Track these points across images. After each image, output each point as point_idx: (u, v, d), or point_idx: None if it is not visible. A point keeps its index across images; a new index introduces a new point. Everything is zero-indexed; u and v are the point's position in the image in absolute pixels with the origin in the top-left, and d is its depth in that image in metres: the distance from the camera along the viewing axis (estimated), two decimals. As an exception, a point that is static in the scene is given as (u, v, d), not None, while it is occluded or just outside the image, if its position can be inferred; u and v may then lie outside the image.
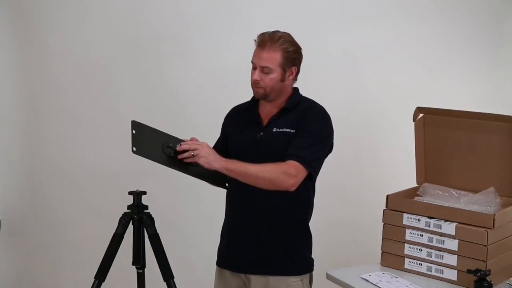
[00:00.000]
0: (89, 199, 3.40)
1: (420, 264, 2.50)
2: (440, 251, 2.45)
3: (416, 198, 2.68)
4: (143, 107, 3.35)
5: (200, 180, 2.38)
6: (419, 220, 2.51)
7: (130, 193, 2.49)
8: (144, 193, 2.50)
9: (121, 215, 2.48)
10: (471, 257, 2.36)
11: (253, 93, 2.39)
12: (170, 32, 3.36)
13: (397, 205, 2.58)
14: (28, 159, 3.39)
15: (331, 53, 3.53)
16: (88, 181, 3.39)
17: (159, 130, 2.27)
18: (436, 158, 2.77)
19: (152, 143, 2.21)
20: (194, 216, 3.46)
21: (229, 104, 2.58)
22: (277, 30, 2.35)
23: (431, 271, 2.48)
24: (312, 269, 2.46)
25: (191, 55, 3.39)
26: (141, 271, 2.58)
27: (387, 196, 2.61)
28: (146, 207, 2.50)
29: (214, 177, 2.39)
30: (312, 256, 2.47)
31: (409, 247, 2.53)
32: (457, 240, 2.40)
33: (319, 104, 2.42)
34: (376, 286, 2.37)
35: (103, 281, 2.45)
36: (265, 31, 2.34)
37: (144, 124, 2.23)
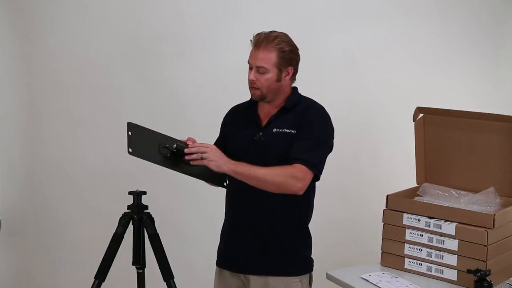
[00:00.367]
0: (89, 199, 3.40)
1: (420, 264, 2.50)
2: (440, 251, 2.45)
3: (416, 198, 2.68)
4: (143, 107, 3.35)
5: (199, 180, 2.38)
6: (419, 220, 2.50)
7: (130, 193, 2.49)
8: (144, 193, 2.50)
9: (121, 215, 2.48)
10: (471, 257, 2.36)
11: (250, 93, 2.38)
12: (170, 32, 3.36)
13: (397, 205, 2.58)
14: (28, 159, 3.39)
15: (331, 53, 3.53)
16: (88, 181, 3.39)
17: (155, 131, 2.27)
18: (436, 158, 2.77)
19: (148, 144, 2.21)
20: (194, 216, 3.46)
21: (229, 104, 2.58)
22: (273, 30, 2.35)
23: (431, 271, 2.48)
24: (311, 269, 2.46)
25: (191, 55, 3.39)
26: (141, 271, 2.58)
27: (387, 196, 2.61)
28: (146, 207, 2.50)
29: (212, 176, 2.39)
30: (312, 256, 2.47)
31: (409, 247, 2.53)
32: (457, 240, 2.40)
33: (318, 104, 2.42)
34: (376, 286, 2.37)
35: (103, 281, 2.45)
36: (261, 31, 2.34)
37: (140, 126, 2.22)
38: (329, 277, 2.52)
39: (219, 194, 2.51)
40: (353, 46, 3.56)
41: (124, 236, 2.47)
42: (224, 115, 2.57)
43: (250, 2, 3.43)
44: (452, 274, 2.42)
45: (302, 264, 2.43)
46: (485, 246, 2.33)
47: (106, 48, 3.33)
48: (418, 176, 2.82)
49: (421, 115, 2.77)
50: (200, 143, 2.25)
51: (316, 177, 2.33)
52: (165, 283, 2.47)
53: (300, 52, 2.40)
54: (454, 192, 2.64)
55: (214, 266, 2.52)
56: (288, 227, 2.38)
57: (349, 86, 3.58)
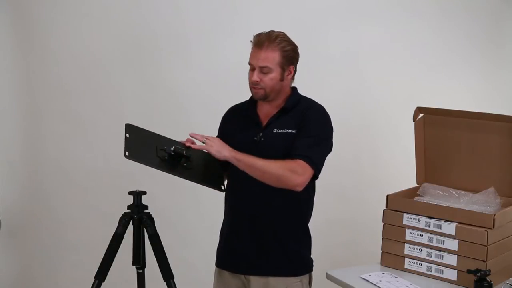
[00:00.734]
0: (89, 199, 3.40)
1: (420, 264, 2.50)
2: (440, 251, 2.45)
3: (416, 198, 2.68)
4: (142, 107, 3.35)
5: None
6: (419, 220, 2.50)
7: (130, 193, 2.49)
8: (144, 193, 2.50)
9: (121, 215, 2.48)
10: (471, 257, 2.36)
11: (252, 94, 2.38)
12: (169, 33, 3.36)
13: (397, 205, 2.58)
14: (28, 159, 3.39)
15: (331, 53, 3.53)
16: (88, 181, 3.39)
17: (153, 133, 2.26)
18: (436, 158, 2.77)
19: (146, 147, 2.19)
20: (194, 216, 3.46)
21: (228, 104, 2.58)
22: (272, 30, 2.35)
23: (431, 271, 2.48)
24: (311, 270, 2.46)
25: (190, 55, 3.39)
26: (141, 271, 2.58)
27: (387, 196, 2.61)
28: (146, 207, 2.50)
29: (209, 180, 2.38)
30: (312, 256, 2.47)
31: (409, 247, 2.53)
32: (457, 240, 2.40)
33: (318, 103, 2.43)
34: (376, 286, 2.37)
35: (103, 281, 2.45)
36: (260, 32, 2.34)
37: (138, 127, 2.22)
38: (329, 277, 2.52)
39: (219, 194, 2.50)
40: (353, 46, 3.56)
41: (124, 236, 2.46)
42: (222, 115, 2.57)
43: (249, 2, 3.43)
44: (452, 274, 2.42)
45: (302, 265, 2.43)
46: (485, 246, 2.33)
47: (106, 48, 3.33)
48: (418, 176, 2.82)
49: (421, 115, 2.77)
50: (202, 135, 2.28)
51: (315, 176, 2.33)
52: (165, 283, 2.47)
53: (300, 52, 2.41)
54: (454, 192, 2.64)
55: (214, 266, 2.52)
56: (288, 227, 2.38)
57: (349, 86, 3.58)
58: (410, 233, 2.53)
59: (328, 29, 3.52)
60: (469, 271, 2.28)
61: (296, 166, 2.24)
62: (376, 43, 3.59)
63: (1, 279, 3.41)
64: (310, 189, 2.41)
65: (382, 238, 2.61)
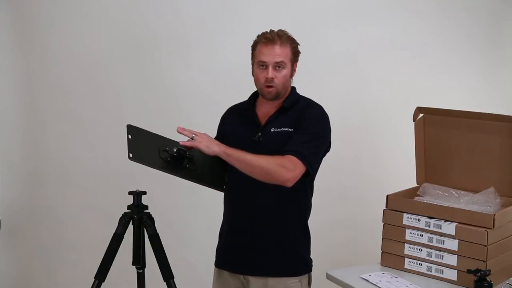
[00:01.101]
0: (89, 199, 3.40)
1: (420, 264, 2.50)
2: (440, 251, 2.45)
3: (416, 198, 2.68)
4: (142, 107, 3.35)
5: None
6: (419, 220, 2.50)
7: (130, 193, 2.49)
8: (144, 193, 2.50)
9: (121, 215, 2.48)
10: (471, 257, 2.36)
11: (264, 94, 2.36)
12: (169, 33, 3.36)
13: (397, 205, 2.58)
14: (28, 159, 3.39)
15: (331, 53, 3.53)
16: (88, 181, 3.39)
17: (155, 134, 2.26)
18: (436, 158, 2.77)
19: (148, 148, 2.19)
20: (194, 216, 3.46)
21: (228, 104, 2.58)
22: (272, 29, 2.36)
23: (431, 271, 2.47)
24: (310, 270, 2.46)
25: (190, 55, 3.39)
26: (141, 271, 2.58)
27: (387, 196, 2.61)
28: (146, 207, 2.50)
29: (211, 180, 2.38)
30: (312, 256, 2.47)
31: (409, 247, 2.53)
32: (457, 240, 2.40)
33: (317, 103, 2.42)
34: (376, 286, 2.37)
35: (103, 281, 2.45)
36: (264, 31, 2.35)
37: (139, 128, 2.21)
38: (329, 277, 2.52)
39: (219, 193, 2.50)
40: (353, 46, 3.56)
41: (124, 236, 2.46)
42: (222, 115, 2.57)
43: (249, 2, 3.43)
44: (452, 274, 2.42)
45: (301, 265, 2.43)
46: (485, 246, 2.33)
47: (106, 48, 3.33)
48: (418, 176, 2.82)
49: (421, 115, 2.77)
50: (190, 131, 2.26)
51: (308, 173, 2.30)
52: (165, 283, 2.47)
53: (300, 52, 2.41)
54: (454, 192, 2.64)
55: (214, 266, 2.52)
56: (287, 228, 2.38)
57: (349, 86, 3.58)
58: (410, 233, 2.52)
59: (328, 29, 3.52)
60: (469, 271, 2.28)
61: (286, 162, 2.23)
62: (376, 43, 3.59)
63: (1, 279, 3.41)
64: (308, 188, 2.41)
65: (382, 238, 2.61)
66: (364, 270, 2.51)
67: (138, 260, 2.52)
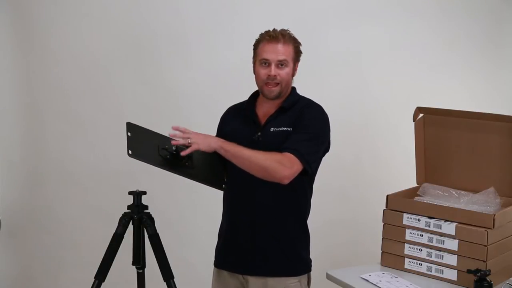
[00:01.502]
0: (89, 199, 3.40)
1: (420, 264, 2.50)
2: (440, 251, 2.45)
3: (416, 198, 2.68)
4: (142, 107, 3.35)
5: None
6: (419, 220, 2.50)
7: (130, 193, 2.49)
8: (144, 193, 2.49)
9: (121, 215, 2.48)
10: (471, 257, 2.36)
11: (265, 93, 2.36)
12: (169, 33, 3.36)
13: (397, 205, 2.58)
14: (28, 159, 3.39)
15: (331, 53, 3.53)
16: (88, 181, 3.39)
17: (154, 132, 2.26)
18: (436, 158, 2.77)
19: (148, 146, 2.20)
20: (194, 216, 3.46)
21: (228, 104, 2.58)
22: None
23: (431, 271, 2.47)
24: (310, 270, 2.46)
25: (190, 55, 3.39)
26: (141, 271, 2.58)
27: (387, 196, 2.61)
28: (146, 207, 2.50)
29: (210, 179, 2.38)
30: (312, 256, 2.47)
31: (409, 247, 2.53)
32: (457, 240, 2.40)
33: (316, 103, 2.43)
34: (376, 286, 2.37)
35: (103, 281, 2.45)
36: (267, 29, 2.35)
37: (139, 126, 2.22)
38: (329, 277, 2.52)
39: (219, 193, 2.51)
40: (353, 46, 3.56)
41: (124, 236, 2.46)
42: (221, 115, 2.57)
43: (249, 2, 3.43)
44: (452, 274, 2.42)
45: (301, 265, 2.42)
46: (485, 246, 2.33)
47: (106, 48, 3.33)
48: (418, 176, 2.82)
49: (421, 115, 2.77)
50: (183, 132, 2.22)
51: (306, 171, 2.29)
52: (165, 283, 2.47)
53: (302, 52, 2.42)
54: (454, 192, 2.64)
55: (213, 266, 2.52)
56: (286, 228, 2.38)
57: (349, 86, 3.58)
58: (410, 233, 2.52)
59: (328, 29, 3.52)
60: (469, 271, 2.28)
61: (283, 159, 2.23)
62: (376, 43, 3.59)
63: (1, 279, 3.41)
64: (307, 188, 2.41)
65: (382, 238, 2.61)
66: (364, 270, 2.51)
67: (138, 260, 2.52)
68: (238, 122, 2.45)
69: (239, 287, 2.43)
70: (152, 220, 2.49)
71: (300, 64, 2.42)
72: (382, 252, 2.62)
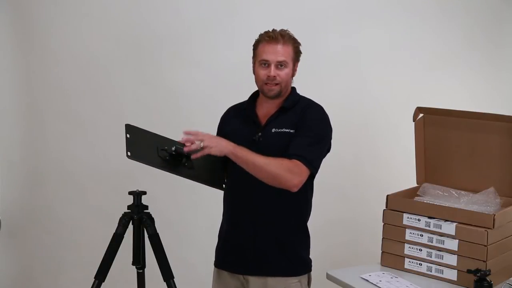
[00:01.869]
0: (89, 199, 3.40)
1: (420, 264, 2.50)
2: (440, 251, 2.45)
3: (416, 198, 2.68)
4: (143, 107, 3.35)
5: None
6: (419, 220, 2.50)
7: (130, 193, 2.49)
8: (144, 193, 2.50)
9: (121, 215, 2.48)
10: (471, 257, 2.36)
11: (265, 92, 2.36)
12: (169, 33, 3.36)
13: (397, 205, 2.58)
14: (28, 159, 3.39)
15: (331, 53, 3.53)
16: (88, 181, 3.39)
17: (153, 133, 2.26)
18: (436, 158, 2.77)
19: (147, 147, 2.19)
20: (194, 216, 3.46)
21: (228, 104, 2.58)
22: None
23: (431, 271, 2.47)
24: (310, 270, 2.45)
25: (190, 55, 3.39)
26: (141, 271, 2.58)
27: (387, 196, 2.61)
28: (146, 207, 2.50)
29: (210, 179, 2.38)
30: (312, 256, 2.47)
31: (409, 247, 2.53)
32: (457, 240, 2.40)
33: (317, 103, 2.42)
34: (376, 286, 2.37)
35: (103, 281, 2.45)
36: (266, 30, 2.35)
37: (138, 127, 2.21)
38: (329, 277, 2.52)
39: (219, 193, 2.51)
40: (353, 46, 3.56)
41: (124, 236, 2.46)
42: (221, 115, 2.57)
43: (249, 2, 3.43)
44: (452, 274, 2.42)
45: (301, 265, 2.42)
46: (485, 246, 2.33)
47: (106, 48, 3.33)
48: (418, 176, 2.82)
49: (421, 115, 2.77)
50: (196, 133, 2.20)
51: (312, 175, 2.32)
52: (165, 283, 2.47)
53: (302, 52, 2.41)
54: (454, 192, 2.64)
55: (213, 266, 2.52)
56: (287, 228, 2.38)
57: (349, 86, 3.58)
58: (410, 233, 2.52)
59: (328, 29, 3.52)
60: (469, 271, 2.28)
61: (293, 167, 2.23)
62: (376, 43, 3.59)
63: (1, 279, 3.41)
64: (308, 189, 2.40)
65: (382, 238, 2.61)
66: (364, 270, 2.51)
67: (138, 260, 2.52)
68: (238, 122, 2.45)
69: (239, 287, 2.43)
70: (152, 220, 2.49)
71: (300, 64, 2.42)
72: (382, 252, 2.62)
